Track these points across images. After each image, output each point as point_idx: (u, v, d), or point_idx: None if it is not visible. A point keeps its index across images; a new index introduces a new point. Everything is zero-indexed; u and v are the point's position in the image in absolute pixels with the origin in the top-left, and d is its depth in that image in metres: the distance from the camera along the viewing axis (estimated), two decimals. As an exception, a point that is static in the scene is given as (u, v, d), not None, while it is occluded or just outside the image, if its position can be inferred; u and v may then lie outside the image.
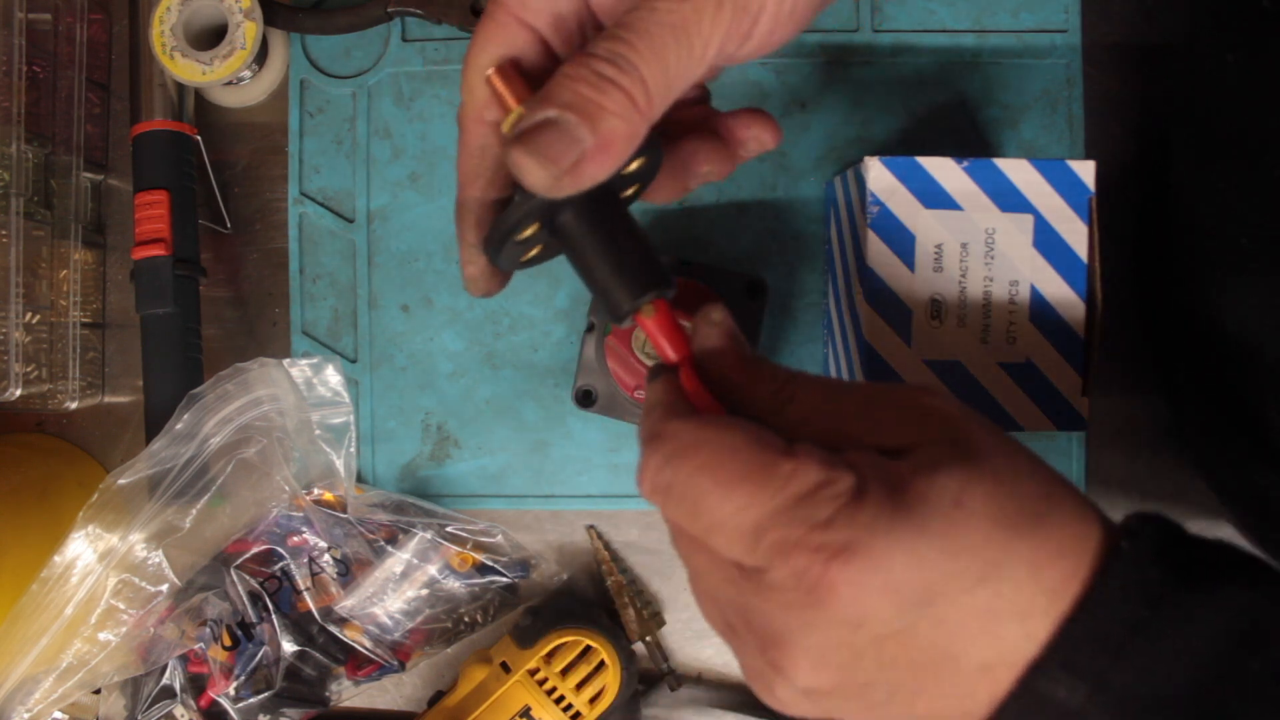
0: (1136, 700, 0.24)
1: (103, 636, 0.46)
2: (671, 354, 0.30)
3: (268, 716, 0.48)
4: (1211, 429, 0.45)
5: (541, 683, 0.47)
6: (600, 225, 0.31)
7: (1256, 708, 0.23)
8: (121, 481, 0.46)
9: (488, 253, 0.32)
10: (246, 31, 0.48)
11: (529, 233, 0.32)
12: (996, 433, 0.27)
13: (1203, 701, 0.23)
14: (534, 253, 0.34)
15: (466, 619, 0.51)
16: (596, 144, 0.27)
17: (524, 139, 0.27)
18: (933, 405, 0.27)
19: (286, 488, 0.48)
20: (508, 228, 0.31)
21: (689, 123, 0.34)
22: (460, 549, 0.50)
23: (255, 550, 0.50)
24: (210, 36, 0.50)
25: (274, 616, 0.49)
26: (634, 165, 0.31)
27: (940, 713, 0.26)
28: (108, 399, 0.54)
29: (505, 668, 0.47)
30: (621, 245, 0.31)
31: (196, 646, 0.48)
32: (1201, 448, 0.47)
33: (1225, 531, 0.52)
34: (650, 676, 0.52)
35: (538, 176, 0.27)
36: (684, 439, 0.27)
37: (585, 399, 0.49)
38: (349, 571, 0.50)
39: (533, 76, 0.30)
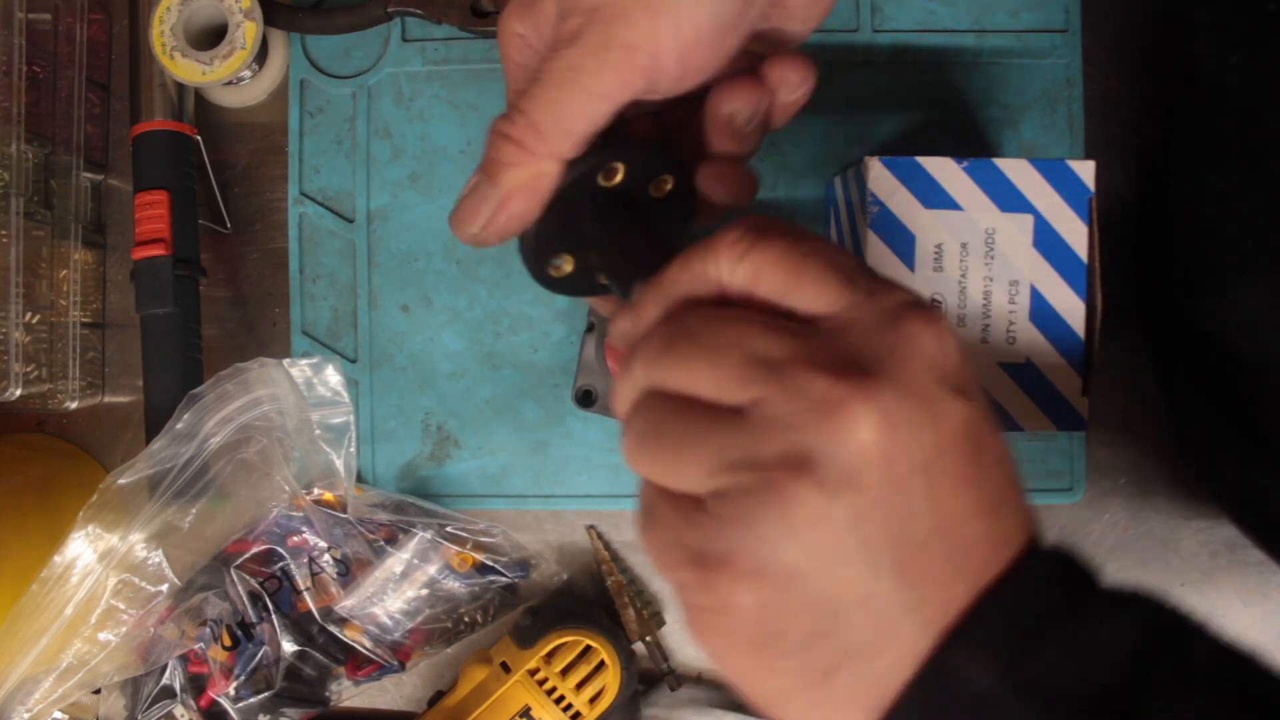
0: (1046, 687, 0.23)
1: (103, 636, 0.46)
2: None
3: (268, 716, 0.48)
4: (1211, 429, 0.45)
5: (541, 683, 0.47)
6: (608, 229, 0.33)
7: (1166, 704, 0.23)
8: (121, 481, 0.46)
9: (566, 293, 0.36)
10: (246, 31, 0.48)
11: (568, 266, 0.34)
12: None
13: (1114, 694, 0.23)
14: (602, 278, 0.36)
15: (466, 619, 0.51)
16: (504, 196, 0.31)
17: (454, 210, 0.32)
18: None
19: (286, 488, 0.48)
20: (533, 268, 0.34)
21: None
22: (460, 549, 0.50)
23: (255, 550, 0.50)
24: (210, 36, 0.50)
25: (274, 616, 0.49)
26: (617, 177, 0.33)
27: (877, 638, 0.24)
28: (108, 399, 0.54)
29: (505, 668, 0.47)
30: (624, 242, 0.32)
31: (196, 646, 0.48)
32: (1201, 448, 0.47)
33: (1226, 532, 0.52)
34: (650, 676, 0.52)
35: (464, 235, 0.32)
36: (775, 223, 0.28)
37: (585, 399, 0.49)
38: (349, 571, 0.50)
39: None
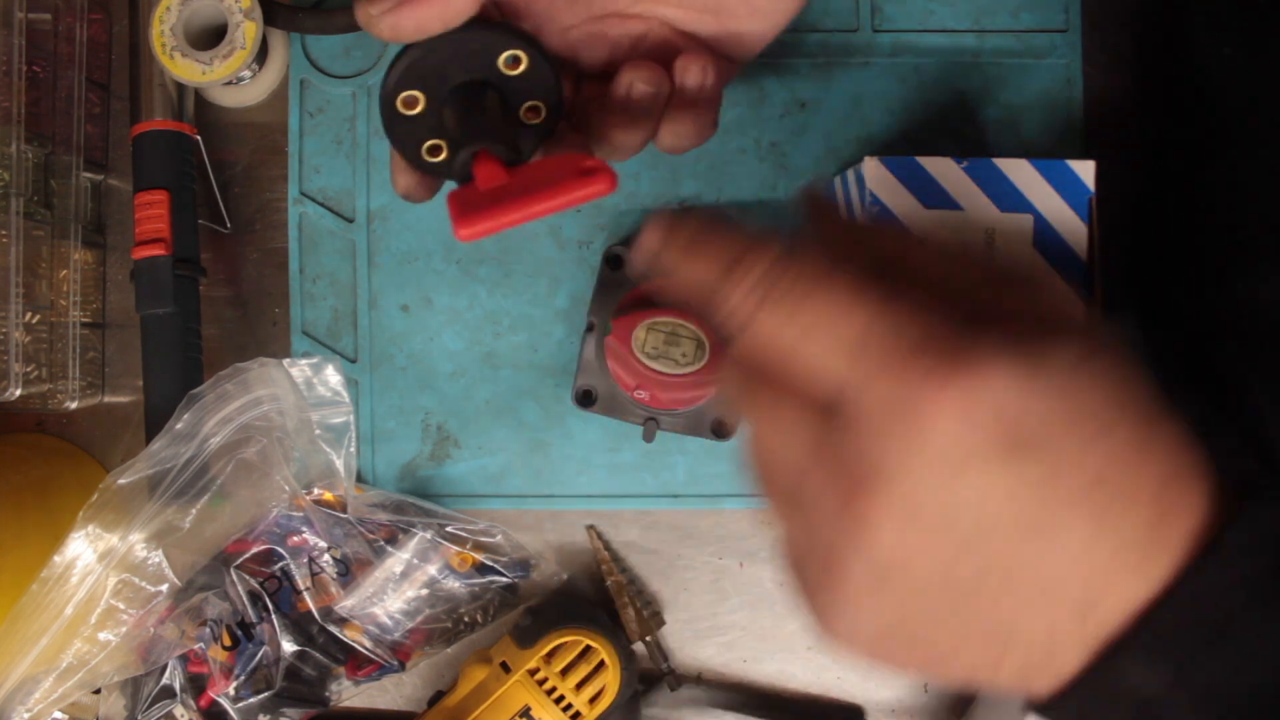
0: (1220, 699, 0.22)
1: (103, 636, 0.46)
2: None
3: (268, 716, 0.48)
4: (1208, 426, 0.45)
5: (541, 683, 0.47)
6: (471, 99, 0.35)
7: None
8: (121, 481, 0.46)
9: (390, 136, 0.36)
10: (246, 31, 0.48)
11: (420, 109, 0.36)
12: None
13: None
14: (442, 154, 0.37)
15: (466, 619, 0.51)
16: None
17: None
18: (1066, 292, 0.27)
19: (286, 488, 0.48)
20: (387, 90, 0.35)
21: None
22: (460, 549, 0.50)
23: (255, 550, 0.50)
24: (210, 36, 0.50)
25: (274, 616, 0.49)
26: (521, 67, 0.35)
27: (1026, 626, 0.23)
28: (108, 399, 0.54)
29: (505, 668, 0.47)
30: (481, 116, 0.35)
31: (196, 646, 0.48)
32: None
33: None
34: (650, 676, 0.52)
35: (364, 16, 0.33)
36: (805, 245, 0.26)
37: (585, 399, 0.49)
38: (349, 571, 0.50)
39: None
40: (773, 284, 0.25)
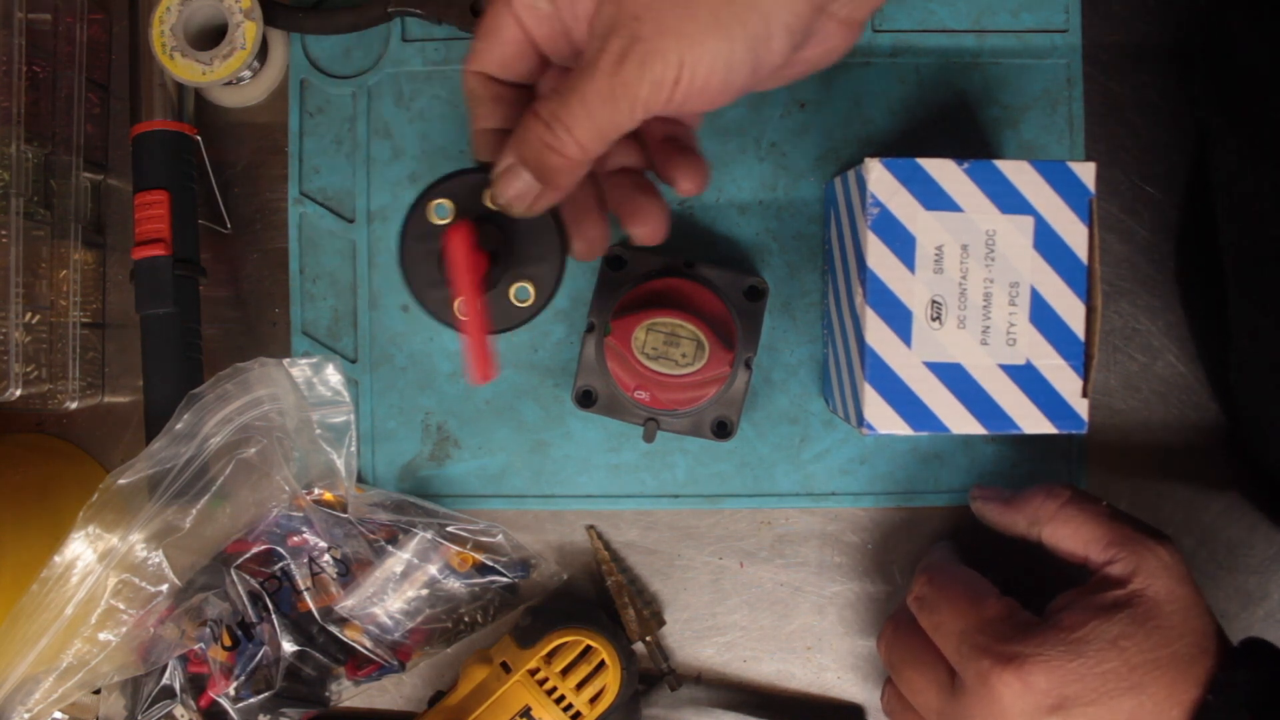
0: None
1: (103, 636, 0.46)
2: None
3: (268, 716, 0.48)
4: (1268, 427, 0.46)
5: (542, 683, 0.47)
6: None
7: None
8: (121, 481, 0.46)
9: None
10: (246, 31, 0.48)
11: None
12: (1181, 584, 0.38)
13: None
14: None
15: (466, 619, 0.51)
16: (548, 187, 0.38)
17: (496, 183, 0.38)
18: (1144, 552, 0.39)
19: (286, 488, 0.48)
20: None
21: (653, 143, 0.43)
22: (460, 549, 0.50)
23: (255, 550, 0.50)
24: (210, 36, 0.50)
25: (274, 616, 0.49)
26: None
27: None
28: (108, 399, 0.54)
29: (505, 668, 0.47)
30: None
31: (196, 646, 0.48)
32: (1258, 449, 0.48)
33: (1226, 533, 0.52)
34: (650, 676, 0.52)
35: (515, 209, 0.39)
36: (942, 573, 0.43)
37: (585, 399, 0.49)
38: (349, 571, 0.50)
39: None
40: (923, 596, 0.42)
